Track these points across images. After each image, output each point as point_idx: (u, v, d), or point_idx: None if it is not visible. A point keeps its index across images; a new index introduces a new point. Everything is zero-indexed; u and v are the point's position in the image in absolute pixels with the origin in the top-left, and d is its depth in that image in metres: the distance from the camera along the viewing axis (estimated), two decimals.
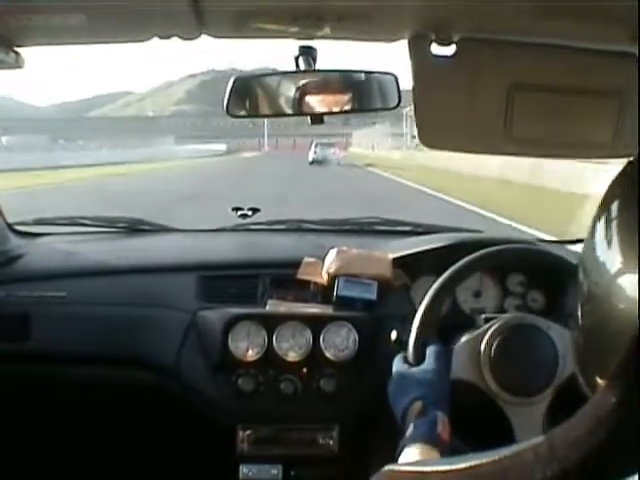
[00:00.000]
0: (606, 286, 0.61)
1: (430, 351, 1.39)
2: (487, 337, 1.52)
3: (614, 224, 0.62)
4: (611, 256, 0.61)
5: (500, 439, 0.67)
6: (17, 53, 1.30)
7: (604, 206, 0.64)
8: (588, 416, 0.58)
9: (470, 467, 0.63)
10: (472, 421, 1.39)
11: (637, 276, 0.58)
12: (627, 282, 0.59)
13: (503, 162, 18.73)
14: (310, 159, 36.60)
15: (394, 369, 1.40)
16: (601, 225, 0.64)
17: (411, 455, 1.15)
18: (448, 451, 1.18)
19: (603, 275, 0.61)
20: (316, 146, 37.57)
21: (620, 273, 0.59)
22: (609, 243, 0.62)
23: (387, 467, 0.75)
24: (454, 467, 0.64)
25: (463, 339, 1.55)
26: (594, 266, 0.63)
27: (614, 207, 0.63)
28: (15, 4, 1.11)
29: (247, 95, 1.34)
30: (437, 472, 0.66)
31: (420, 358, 1.41)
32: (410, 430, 1.23)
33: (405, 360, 1.41)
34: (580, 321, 0.66)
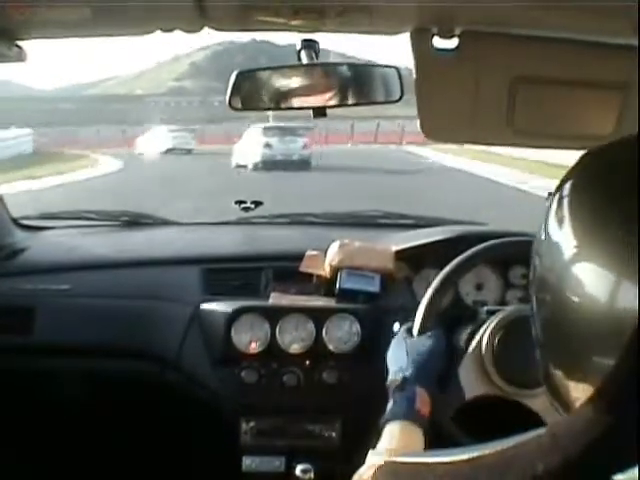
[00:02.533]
0: (560, 273, 0.61)
1: (431, 332, 1.40)
2: (489, 330, 1.52)
3: (565, 204, 0.63)
4: (565, 240, 0.62)
5: (505, 432, 0.67)
6: (19, 47, 1.30)
7: (559, 189, 0.65)
8: (591, 407, 0.59)
9: (473, 458, 0.63)
10: (478, 415, 1.40)
11: (589, 264, 0.59)
12: (581, 270, 0.60)
13: None
14: (240, 162, 16.41)
15: (395, 335, 1.42)
16: (554, 206, 0.65)
17: (393, 432, 1.17)
18: (429, 426, 1.20)
19: (556, 260, 0.62)
20: (269, 133, 16.74)
21: (574, 259, 0.60)
22: (561, 225, 0.63)
23: (390, 459, 0.75)
24: (457, 458, 0.65)
25: (465, 333, 1.56)
26: (547, 250, 0.64)
27: (567, 190, 0.64)
28: None
29: (249, 89, 1.34)
30: (440, 463, 0.67)
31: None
32: (390, 405, 1.25)
33: (408, 331, 1.42)
34: (535, 309, 0.67)
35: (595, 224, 0.60)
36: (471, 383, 1.49)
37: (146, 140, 25.65)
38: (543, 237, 0.65)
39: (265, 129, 16.29)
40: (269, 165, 14.80)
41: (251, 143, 16.13)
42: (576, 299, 0.60)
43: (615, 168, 0.62)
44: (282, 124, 16.44)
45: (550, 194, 0.67)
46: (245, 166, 15.17)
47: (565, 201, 0.63)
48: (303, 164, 15.46)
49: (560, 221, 0.63)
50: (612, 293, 0.57)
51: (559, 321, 0.63)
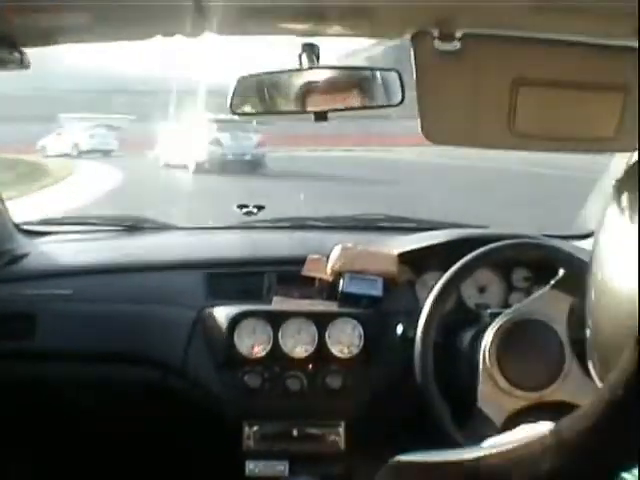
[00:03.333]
0: (619, 280, 0.61)
1: None
2: (492, 333, 1.52)
3: (627, 215, 0.63)
4: (625, 248, 0.62)
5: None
6: (22, 53, 1.30)
7: (617, 196, 0.65)
8: (596, 407, 0.59)
9: (478, 458, 0.63)
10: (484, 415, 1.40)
11: None
12: None
13: None
14: (173, 161, 12.48)
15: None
16: (613, 215, 0.64)
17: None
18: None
19: (616, 268, 0.62)
20: (218, 127, 12.95)
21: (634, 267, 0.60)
22: (622, 235, 0.63)
23: (395, 458, 0.76)
24: (462, 458, 0.65)
25: (468, 336, 1.56)
26: (608, 258, 0.64)
27: (625, 198, 0.64)
28: (19, 4, 1.11)
29: (251, 93, 1.35)
30: (445, 463, 0.67)
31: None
32: None
33: None
34: (592, 316, 0.66)
35: None
36: (496, 410, 1.49)
37: (53, 141, 19.78)
38: (603, 243, 0.65)
39: (213, 121, 12.20)
40: (217, 166, 11.57)
41: (190, 137, 11.91)
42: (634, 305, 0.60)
43: None
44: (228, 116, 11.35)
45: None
46: (183, 166, 11.40)
47: (626, 194, 0.63)
48: (256, 166, 12.08)
49: (621, 227, 0.63)
50: None
51: (614, 309, 0.62)
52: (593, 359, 0.67)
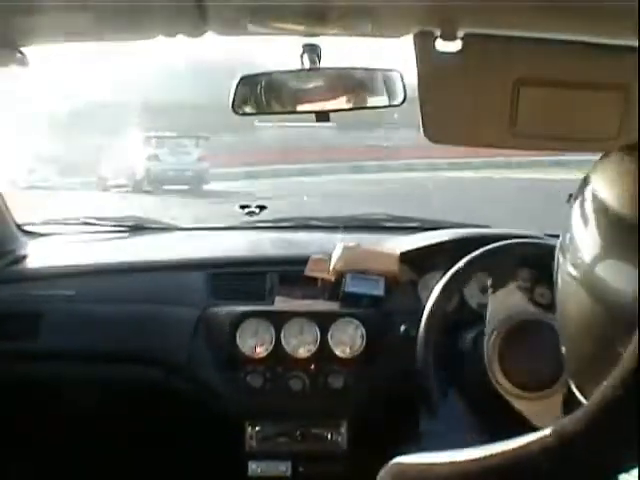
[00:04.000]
0: (585, 270, 0.62)
1: None
2: (494, 333, 1.52)
3: (588, 204, 0.65)
4: (590, 239, 0.63)
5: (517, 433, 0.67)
6: (22, 53, 1.30)
7: (581, 190, 0.67)
8: (597, 407, 0.58)
9: (479, 458, 0.64)
10: (489, 415, 1.40)
11: (614, 261, 0.60)
12: (606, 268, 0.61)
13: None
14: (112, 182, 10.64)
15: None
16: (578, 207, 0.66)
17: None
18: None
19: (582, 258, 0.63)
20: (154, 143, 10.94)
21: (599, 258, 0.62)
22: (586, 225, 0.64)
23: (396, 459, 0.76)
24: (463, 459, 0.65)
25: (470, 336, 1.56)
26: (572, 249, 0.65)
27: (589, 191, 0.65)
28: (20, 4, 1.11)
29: (253, 93, 1.35)
30: (446, 464, 0.67)
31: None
32: None
33: None
34: (559, 307, 0.68)
35: (619, 224, 0.61)
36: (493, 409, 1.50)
37: None
38: (568, 237, 0.67)
39: (148, 139, 11.57)
40: (157, 183, 11.05)
41: (126, 156, 11.32)
42: (601, 297, 0.61)
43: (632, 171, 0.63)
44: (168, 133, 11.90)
45: (571, 195, 0.68)
46: (124, 186, 11.02)
47: (588, 202, 0.65)
48: (198, 181, 11.67)
49: (585, 222, 0.64)
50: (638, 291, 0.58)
51: (583, 318, 0.64)
52: (570, 369, 0.69)
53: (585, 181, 0.67)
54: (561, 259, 0.68)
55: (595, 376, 0.63)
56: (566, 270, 0.67)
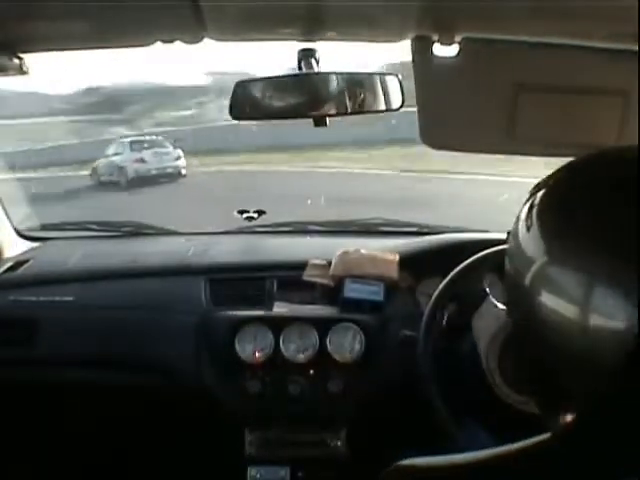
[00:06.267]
0: (530, 276, 0.63)
1: None
2: (493, 337, 1.52)
3: (535, 212, 0.65)
4: (535, 245, 0.64)
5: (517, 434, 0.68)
6: (21, 59, 1.30)
7: (531, 197, 0.67)
8: (595, 411, 0.59)
9: (480, 460, 0.64)
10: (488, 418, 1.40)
11: (558, 267, 0.61)
12: (550, 273, 0.62)
13: None
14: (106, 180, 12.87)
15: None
16: (525, 213, 0.67)
17: None
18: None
19: (526, 265, 0.64)
20: (138, 147, 13.83)
21: (546, 264, 0.62)
22: (529, 231, 0.65)
23: (396, 463, 0.76)
24: (465, 461, 0.65)
25: (469, 341, 1.55)
26: (519, 255, 0.65)
27: (537, 198, 0.66)
28: (19, 10, 1.11)
29: (251, 98, 1.34)
30: (448, 466, 0.67)
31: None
32: None
33: None
34: (508, 312, 0.68)
35: (563, 230, 0.62)
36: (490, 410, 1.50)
37: None
38: (513, 242, 0.67)
39: (132, 143, 14.19)
40: (143, 181, 13.30)
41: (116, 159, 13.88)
42: (547, 302, 0.62)
43: (589, 181, 0.64)
44: (148, 137, 14.58)
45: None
46: (116, 183, 13.49)
47: (535, 209, 0.65)
48: (176, 175, 13.76)
49: (529, 227, 0.65)
50: (581, 295, 0.59)
51: (530, 323, 0.64)
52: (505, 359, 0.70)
53: (538, 188, 0.68)
54: (508, 265, 0.69)
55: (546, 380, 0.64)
56: (511, 276, 0.67)
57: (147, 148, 13.94)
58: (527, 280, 0.63)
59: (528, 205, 0.67)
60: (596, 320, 0.58)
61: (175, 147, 14.06)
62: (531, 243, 0.64)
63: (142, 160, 13.60)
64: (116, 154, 13.86)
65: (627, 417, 0.55)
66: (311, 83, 1.30)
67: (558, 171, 0.68)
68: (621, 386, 0.56)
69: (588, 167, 0.66)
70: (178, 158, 13.92)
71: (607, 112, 1.24)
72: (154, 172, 13.44)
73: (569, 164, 0.68)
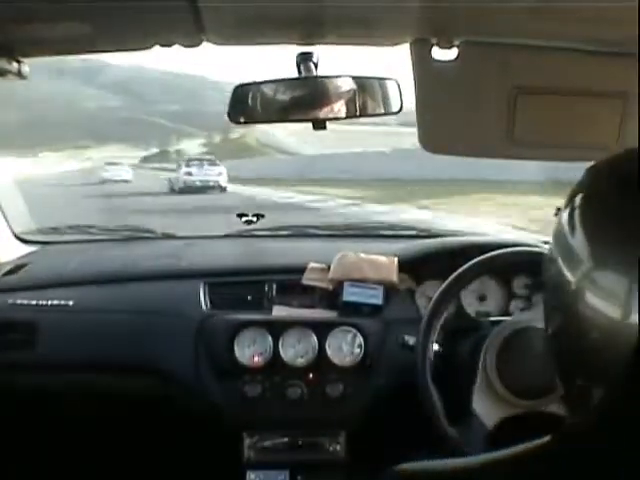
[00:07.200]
0: (573, 284, 0.62)
1: None
2: (492, 341, 1.52)
3: (577, 216, 0.64)
4: (578, 252, 0.63)
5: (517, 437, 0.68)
6: (19, 62, 1.30)
7: (570, 202, 0.66)
8: (598, 413, 0.58)
9: (482, 463, 0.64)
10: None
11: (605, 272, 0.59)
12: (595, 281, 0.60)
13: None
14: (173, 187, 20.02)
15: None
16: (566, 219, 0.65)
17: None
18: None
19: (570, 272, 0.63)
20: (190, 164, 20.72)
21: (591, 269, 0.61)
22: (574, 237, 0.63)
23: (396, 467, 0.75)
24: (467, 464, 0.65)
25: (468, 344, 1.55)
26: (564, 259, 0.64)
27: (578, 202, 0.65)
28: (18, 14, 1.11)
29: (249, 102, 1.34)
30: (448, 470, 0.67)
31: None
32: None
33: None
34: (547, 320, 0.67)
35: (608, 236, 0.60)
36: (488, 413, 1.49)
37: None
38: (555, 250, 0.66)
39: (187, 160, 21.55)
40: (189, 189, 18.82)
41: (179, 172, 20.44)
42: (589, 310, 0.60)
43: (625, 180, 0.62)
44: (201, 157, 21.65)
45: (559, 209, 0.67)
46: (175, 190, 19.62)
47: (577, 214, 0.64)
48: (219, 188, 19.24)
49: (573, 233, 0.64)
50: (626, 304, 0.57)
51: (572, 331, 0.63)
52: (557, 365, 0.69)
53: (577, 191, 0.66)
54: (550, 269, 0.67)
55: (586, 383, 0.63)
56: (553, 280, 0.66)
57: (197, 165, 20.20)
58: (572, 285, 0.62)
59: (569, 210, 0.65)
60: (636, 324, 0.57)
61: (219, 165, 20.53)
62: (575, 247, 0.63)
63: (190, 174, 19.41)
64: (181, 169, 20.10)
65: (630, 419, 0.55)
66: (310, 87, 1.30)
67: (591, 174, 0.66)
68: (628, 388, 0.56)
69: (622, 168, 0.64)
70: (220, 174, 19.85)
71: (607, 114, 1.24)
72: (198, 184, 19.02)
73: (600, 165, 0.67)
